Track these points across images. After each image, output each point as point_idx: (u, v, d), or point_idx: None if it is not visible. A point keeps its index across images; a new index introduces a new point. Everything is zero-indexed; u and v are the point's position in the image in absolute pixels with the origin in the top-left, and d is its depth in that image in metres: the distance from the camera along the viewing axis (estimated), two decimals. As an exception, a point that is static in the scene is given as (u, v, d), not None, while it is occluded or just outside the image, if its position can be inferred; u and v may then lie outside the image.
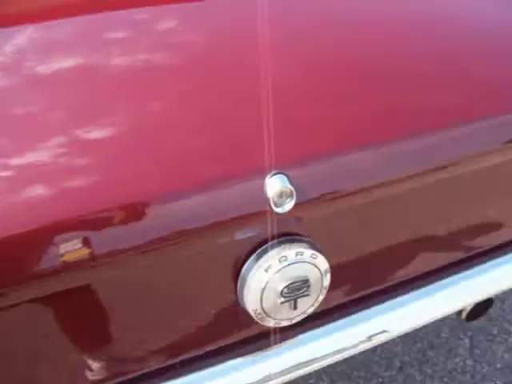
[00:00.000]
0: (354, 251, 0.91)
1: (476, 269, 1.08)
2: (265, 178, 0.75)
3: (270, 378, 0.92)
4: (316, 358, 0.94)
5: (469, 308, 1.32)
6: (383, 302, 1.01)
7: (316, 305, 0.86)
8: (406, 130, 0.84)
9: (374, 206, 0.87)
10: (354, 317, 0.99)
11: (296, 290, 0.81)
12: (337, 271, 0.86)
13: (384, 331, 1.00)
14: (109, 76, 0.83)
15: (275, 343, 0.89)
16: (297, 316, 0.85)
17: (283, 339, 0.92)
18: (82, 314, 0.78)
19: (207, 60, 0.87)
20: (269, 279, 0.79)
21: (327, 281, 0.84)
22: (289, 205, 0.75)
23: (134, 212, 0.72)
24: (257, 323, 0.84)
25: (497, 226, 1.08)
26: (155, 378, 0.89)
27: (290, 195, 0.75)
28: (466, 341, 1.85)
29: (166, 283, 0.81)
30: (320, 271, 0.82)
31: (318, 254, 0.81)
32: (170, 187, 0.74)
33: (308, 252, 0.80)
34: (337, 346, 0.96)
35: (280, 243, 0.79)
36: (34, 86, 0.79)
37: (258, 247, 0.80)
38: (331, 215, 0.84)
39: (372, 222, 0.89)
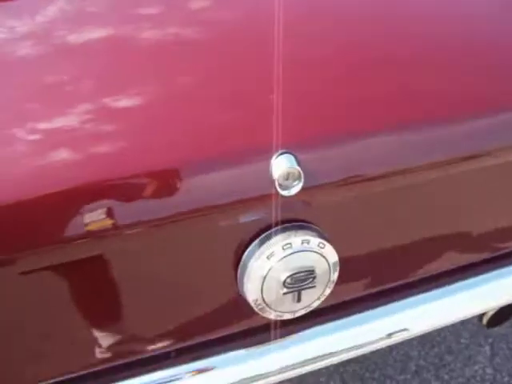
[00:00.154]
0: (366, 243, 0.84)
1: (504, 270, 1.01)
2: (271, 158, 0.69)
3: (270, 373, 0.86)
4: (319, 356, 0.88)
5: (491, 313, 1.24)
6: (395, 300, 0.95)
7: (322, 298, 0.80)
8: (430, 115, 0.77)
9: (390, 194, 0.80)
10: (363, 315, 0.92)
11: (300, 280, 0.75)
12: (347, 264, 0.80)
13: (396, 331, 0.94)
14: (137, 48, 0.79)
15: (276, 338, 0.83)
16: (301, 309, 0.79)
17: (286, 334, 0.86)
18: (81, 285, 0.74)
19: (218, 36, 0.82)
20: (271, 267, 0.73)
21: (335, 273, 0.78)
22: (296, 188, 0.69)
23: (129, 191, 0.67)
24: (257, 315, 0.79)
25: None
26: (148, 366, 0.84)
27: (298, 177, 0.69)
28: (487, 348, 1.77)
29: (164, 267, 0.76)
30: (328, 262, 0.76)
31: (326, 244, 0.75)
32: (168, 165, 0.68)
33: (315, 240, 0.74)
34: (343, 344, 0.90)
35: (285, 229, 0.73)
36: (65, 55, 0.76)
37: (262, 233, 0.74)
38: (343, 202, 0.77)
39: (388, 213, 0.83)
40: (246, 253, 0.74)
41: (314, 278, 0.76)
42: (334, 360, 0.91)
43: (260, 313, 0.78)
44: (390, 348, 1.74)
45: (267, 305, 0.76)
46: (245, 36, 0.81)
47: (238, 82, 0.75)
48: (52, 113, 0.69)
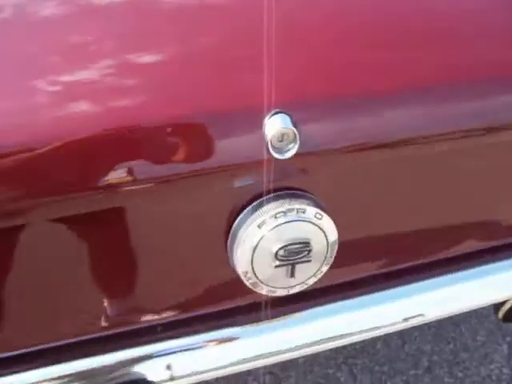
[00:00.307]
0: (369, 218, 0.78)
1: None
2: (264, 118, 0.63)
3: (261, 356, 0.81)
4: (310, 342, 0.82)
5: (507, 307, 1.17)
6: (404, 283, 0.89)
7: (319, 275, 0.74)
8: (436, 82, 0.70)
9: (397, 165, 0.74)
10: (368, 297, 0.87)
11: (294, 253, 0.70)
12: (347, 239, 0.74)
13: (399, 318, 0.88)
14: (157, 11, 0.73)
15: (267, 318, 0.78)
16: (295, 286, 0.74)
17: (280, 314, 0.80)
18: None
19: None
20: (262, 237, 0.68)
21: (334, 248, 0.72)
22: (291, 151, 0.64)
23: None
24: (249, 289, 0.73)
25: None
26: (134, 340, 0.79)
27: (293, 139, 0.63)
28: (505, 347, 1.69)
29: (151, 236, 0.71)
30: (325, 235, 0.70)
31: (324, 215, 0.69)
32: (153, 125, 0.64)
33: (311, 210, 0.68)
34: (343, 328, 0.85)
35: (278, 197, 0.68)
36: (88, 15, 0.72)
37: (254, 200, 0.69)
38: (343, 171, 0.72)
39: (394, 186, 0.77)
40: (236, 221, 0.69)
41: (310, 251, 0.70)
42: (332, 344, 0.85)
43: (251, 287, 0.72)
44: (403, 342, 1.68)
45: (258, 278, 0.71)
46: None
47: (229, 41, 0.70)
48: (73, 67, 0.66)
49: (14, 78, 0.64)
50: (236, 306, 0.82)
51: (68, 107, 0.63)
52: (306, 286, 0.75)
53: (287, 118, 0.63)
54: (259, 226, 0.67)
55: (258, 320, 0.81)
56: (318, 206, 0.69)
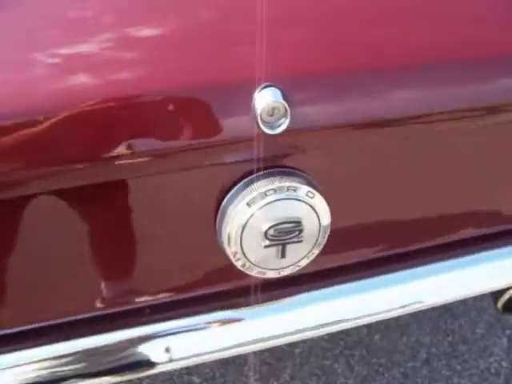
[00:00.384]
0: (365, 199, 0.76)
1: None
2: (253, 92, 0.61)
3: (251, 341, 0.79)
4: (304, 328, 0.80)
5: (506, 297, 1.14)
6: (401, 269, 0.86)
7: (311, 257, 0.72)
8: (435, 58, 0.68)
9: (393, 144, 0.72)
10: (363, 282, 0.84)
11: (285, 233, 0.68)
12: (341, 220, 0.72)
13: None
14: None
15: (256, 302, 0.76)
16: (286, 267, 0.72)
17: (270, 298, 0.78)
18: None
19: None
20: (252, 215, 0.65)
21: (326, 228, 0.70)
22: (281, 126, 0.62)
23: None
24: (239, 271, 0.71)
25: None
26: (121, 321, 0.77)
27: (284, 114, 0.61)
28: (504, 340, 1.67)
29: (140, 213, 0.69)
30: (317, 215, 0.68)
31: (316, 193, 0.67)
32: (138, 100, 0.61)
33: (303, 188, 0.66)
34: (335, 315, 0.82)
35: (269, 174, 0.66)
36: None
37: (244, 177, 0.66)
38: (337, 149, 0.69)
39: (390, 166, 0.74)
40: (225, 199, 0.67)
41: (301, 231, 0.68)
42: (325, 330, 0.83)
43: (240, 268, 0.70)
44: (401, 334, 1.66)
45: (248, 259, 0.69)
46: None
47: (221, 15, 0.67)
48: (71, 40, 0.64)
49: (14, 51, 0.62)
50: (227, 288, 0.79)
51: (64, 80, 0.61)
52: (297, 269, 0.73)
53: (278, 92, 0.61)
54: (248, 204, 0.65)
55: (249, 304, 0.79)
56: (310, 184, 0.67)
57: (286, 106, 0.60)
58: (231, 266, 0.71)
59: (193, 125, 0.62)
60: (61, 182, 0.64)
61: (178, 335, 0.79)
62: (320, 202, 0.67)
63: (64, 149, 0.61)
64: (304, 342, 1.61)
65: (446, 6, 0.73)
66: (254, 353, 1.43)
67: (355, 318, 0.85)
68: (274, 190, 0.65)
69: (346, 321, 0.85)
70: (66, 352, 0.76)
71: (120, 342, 0.78)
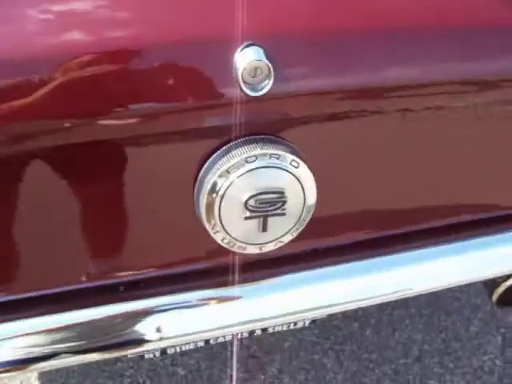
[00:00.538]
0: (353, 174, 0.72)
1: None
2: (235, 51, 0.57)
3: (231, 325, 0.75)
4: (288, 312, 0.76)
5: (501, 290, 1.11)
6: (391, 252, 0.82)
7: (294, 233, 0.68)
8: (432, 21, 0.64)
9: (383, 116, 0.68)
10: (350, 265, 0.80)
11: (267, 204, 0.64)
12: (328, 196, 0.68)
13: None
14: None
15: (239, 282, 0.72)
16: (268, 242, 0.67)
17: (250, 279, 0.74)
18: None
19: None
20: (231, 183, 0.61)
21: (311, 202, 0.65)
22: (265, 88, 0.58)
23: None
24: (219, 246, 0.67)
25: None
26: (95, 298, 0.73)
27: (267, 75, 0.57)
28: (499, 338, 1.62)
29: (120, 181, 0.65)
30: (302, 186, 0.64)
31: (301, 163, 0.63)
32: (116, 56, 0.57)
33: (287, 157, 0.62)
34: (320, 300, 0.78)
35: (250, 140, 0.61)
36: None
37: (224, 144, 0.62)
38: (325, 117, 0.65)
39: (384, 140, 0.70)
40: (204, 167, 0.63)
41: (284, 203, 0.64)
42: (307, 315, 0.79)
43: (219, 242, 0.66)
44: (393, 329, 1.61)
45: (227, 232, 0.65)
46: None
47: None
48: None
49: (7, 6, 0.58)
50: (210, 266, 0.75)
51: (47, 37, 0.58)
52: (280, 245, 0.69)
53: (260, 51, 0.57)
54: (228, 171, 0.61)
55: (233, 283, 0.74)
56: (294, 153, 0.63)
57: (270, 65, 0.57)
58: (212, 241, 0.67)
59: (168, 86, 0.58)
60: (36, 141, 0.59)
61: (162, 313, 0.75)
62: (305, 173, 0.63)
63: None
64: (293, 335, 1.56)
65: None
66: (241, 345, 1.39)
67: (340, 303, 0.81)
68: (255, 157, 0.61)
69: (330, 306, 0.81)
70: (52, 326, 0.73)
71: (100, 318, 0.74)
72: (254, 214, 0.63)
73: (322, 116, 0.65)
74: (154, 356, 0.95)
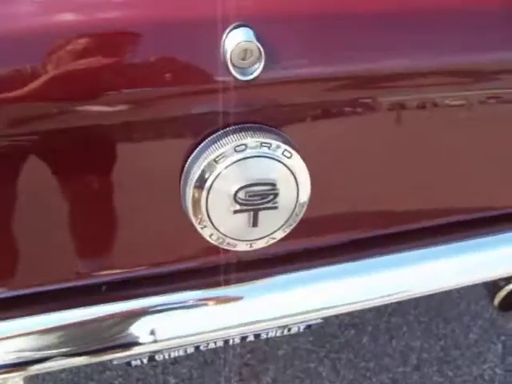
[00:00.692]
0: (349, 168, 0.68)
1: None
2: (223, 32, 0.53)
3: (217, 330, 0.70)
4: (284, 315, 0.72)
5: (504, 293, 1.07)
6: (388, 252, 0.78)
7: (287, 229, 0.64)
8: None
9: (388, 104, 0.64)
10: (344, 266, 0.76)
11: (258, 197, 0.60)
12: (322, 191, 0.64)
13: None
14: None
15: (228, 282, 0.67)
16: (259, 239, 0.63)
17: (238, 280, 0.70)
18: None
19: None
20: (219, 174, 0.57)
21: (305, 193, 0.61)
22: (255, 72, 0.54)
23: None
24: (207, 243, 0.63)
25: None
26: (79, 299, 0.69)
27: (258, 58, 0.54)
28: (499, 346, 1.58)
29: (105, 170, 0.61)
30: (295, 177, 0.60)
31: (294, 153, 0.59)
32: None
33: (279, 146, 0.58)
34: (312, 303, 0.74)
35: (240, 128, 0.58)
36: None
37: (212, 132, 0.58)
38: (320, 104, 0.61)
39: (380, 132, 0.66)
40: (191, 157, 0.59)
41: (276, 195, 0.60)
42: (298, 319, 0.75)
43: (207, 238, 0.62)
44: (390, 337, 1.57)
45: (215, 226, 0.60)
46: None
47: None
48: None
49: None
50: (199, 265, 0.71)
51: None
52: (272, 242, 0.64)
53: (250, 32, 0.53)
54: (216, 161, 0.57)
55: (220, 283, 0.70)
56: (287, 142, 0.59)
57: (260, 47, 0.53)
58: (200, 237, 0.63)
59: (152, 70, 0.54)
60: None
61: (150, 315, 0.71)
62: (298, 164, 0.60)
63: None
64: (287, 343, 1.52)
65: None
66: (234, 353, 1.35)
67: (336, 306, 0.77)
68: (245, 146, 0.57)
69: (322, 310, 0.77)
70: (34, 329, 0.69)
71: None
72: (244, 208, 0.59)
73: (316, 103, 0.61)
74: (142, 362, 0.90)
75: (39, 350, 0.68)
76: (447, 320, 1.63)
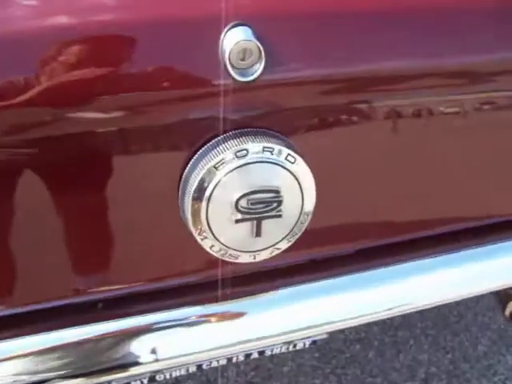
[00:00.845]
0: (354, 176, 0.65)
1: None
2: (221, 31, 0.50)
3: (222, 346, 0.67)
4: (286, 331, 0.68)
5: (515, 304, 1.04)
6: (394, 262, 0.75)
7: (292, 239, 0.60)
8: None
9: (393, 108, 0.61)
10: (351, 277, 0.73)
11: (260, 205, 0.56)
12: (326, 199, 0.60)
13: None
14: None
15: (225, 298, 0.64)
16: (263, 250, 0.60)
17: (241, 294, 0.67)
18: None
19: None
20: (219, 181, 0.54)
21: (310, 200, 0.58)
22: (255, 73, 0.51)
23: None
24: (208, 255, 0.60)
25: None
26: (73, 317, 0.65)
27: (257, 58, 0.51)
28: (509, 357, 1.55)
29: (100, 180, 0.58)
30: (299, 184, 0.57)
31: (298, 158, 0.56)
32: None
33: (282, 150, 0.55)
34: (314, 319, 0.71)
35: (241, 133, 0.55)
36: None
37: (211, 138, 0.55)
38: (323, 107, 0.58)
39: (386, 137, 0.64)
40: (189, 164, 0.56)
41: (280, 203, 0.57)
42: (301, 334, 0.71)
43: (208, 250, 0.59)
44: (397, 351, 1.53)
45: (216, 238, 0.57)
46: None
47: None
48: None
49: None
50: (199, 279, 0.68)
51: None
52: (276, 252, 0.61)
53: (249, 31, 0.51)
54: (216, 168, 0.54)
55: (217, 299, 0.67)
56: (290, 146, 0.56)
57: (260, 46, 0.50)
58: (200, 249, 0.59)
59: (148, 73, 0.52)
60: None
61: (155, 332, 0.68)
62: (303, 169, 0.56)
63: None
64: (292, 359, 1.48)
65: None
66: (238, 370, 1.31)
67: (343, 320, 0.74)
68: (247, 151, 0.54)
69: (324, 325, 0.74)
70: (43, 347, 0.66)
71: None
72: (246, 217, 0.56)
73: (321, 106, 0.58)
74: (142, 383, 0.86)
75: (34, 372, 0.65)
76: (455, 332, 1.59)
